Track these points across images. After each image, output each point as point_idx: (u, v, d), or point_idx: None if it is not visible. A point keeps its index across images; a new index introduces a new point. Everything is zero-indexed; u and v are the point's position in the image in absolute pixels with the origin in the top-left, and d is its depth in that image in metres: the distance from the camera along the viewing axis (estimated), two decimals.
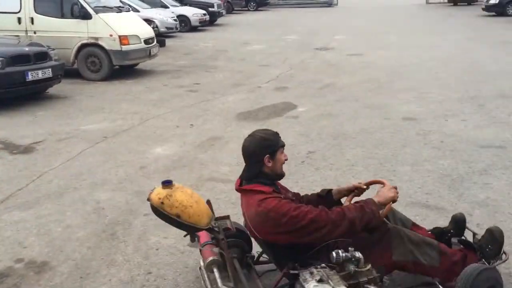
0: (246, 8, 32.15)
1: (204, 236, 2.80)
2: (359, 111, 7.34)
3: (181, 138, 6.21)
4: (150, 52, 10.71)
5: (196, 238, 2.74)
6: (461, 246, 2.94)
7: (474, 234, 2.99)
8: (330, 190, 2.99)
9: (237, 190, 2.80)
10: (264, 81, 9.85)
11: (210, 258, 2.57)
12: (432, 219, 3.81)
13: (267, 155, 2.63)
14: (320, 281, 2.28)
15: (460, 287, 2.52)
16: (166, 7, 19.73)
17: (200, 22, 20.34)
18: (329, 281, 2.27)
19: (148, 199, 2.56)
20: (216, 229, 2.68)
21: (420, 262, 2.66)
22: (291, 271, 2.46)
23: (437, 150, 5.48)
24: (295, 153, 5.45)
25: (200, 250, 2.83)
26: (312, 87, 9.17)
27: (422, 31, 18.02)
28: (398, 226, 2.83)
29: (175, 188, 2.55)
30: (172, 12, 19.10)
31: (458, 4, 29.29)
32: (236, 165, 4.98)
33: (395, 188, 2.74)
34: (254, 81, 9.86)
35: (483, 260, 2.79)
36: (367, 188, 2.95)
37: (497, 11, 21.48)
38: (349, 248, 2.45)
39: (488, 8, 21.98)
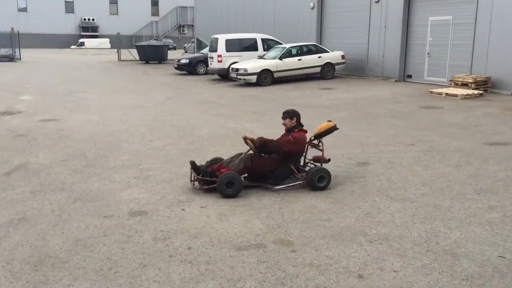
0: None
1: None
2: (67, 208, 5.22)
3: None
4: None
5: None
6: None
7: None
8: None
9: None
10: None
11: None
12: None
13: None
14: None
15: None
16: None
17: None
18: None
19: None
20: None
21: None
22: None
23: (190, 266, 3.86)
24: None
25: None
26: None
27: (121, 90, 16.36)
28: None
29: None
30: None
31: (150, 62, 29.15)
32: None
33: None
34: None
35: None
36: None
37: (188, 70, 22.29)
38: None
39: (180, 67, 22.66)
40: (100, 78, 20.56)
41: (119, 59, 31.38)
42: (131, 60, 30.67)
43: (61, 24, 53.21)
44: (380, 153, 7.44)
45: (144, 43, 32.56)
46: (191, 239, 4.35)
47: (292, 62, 17.29)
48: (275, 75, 17.02)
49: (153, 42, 32.93)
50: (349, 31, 19.21)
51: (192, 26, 45.55)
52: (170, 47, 36.75)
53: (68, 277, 3.66)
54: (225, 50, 18.76)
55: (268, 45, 19.40)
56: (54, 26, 52.37)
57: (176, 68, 22.71)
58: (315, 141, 6.14)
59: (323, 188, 5.66)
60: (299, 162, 6.12)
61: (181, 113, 11.54)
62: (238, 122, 10.25)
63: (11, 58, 29.66)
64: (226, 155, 7.34)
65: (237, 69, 17.25)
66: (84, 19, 54.94)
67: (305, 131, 6.04)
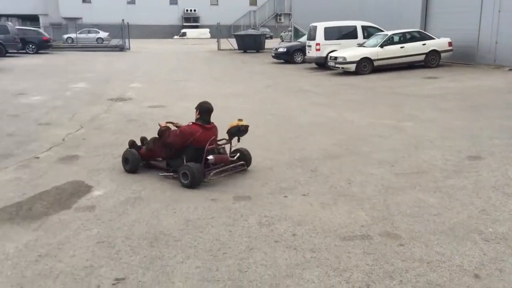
0: (24, 51, 28.12)
1: None
2: (177, 190, 5.43)
3: None
4: None
5: None
6: None
7: None
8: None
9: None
10: (44, 148, 7.28)
11: None
12: None
13: None
14: None
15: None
16: None
17: None
18: None
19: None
20: None
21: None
22: None
23: (295, 253, 3.88)
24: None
25: None
26: (111, 154, 6.91)
27: (221, 78, 16.71)
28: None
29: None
30: None
31: (247, 51, 29.32)
32: None
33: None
34: (29, 149, 7.25)
35: None
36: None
37: (286, 58, 22.07)
38: None
39: (278, 55, 22.47)
40: (201, 67, 21.31)
41: (219, 49, 32.37)
42: (230, 49, 31.47)
43: (166, 15, 56.10)
44: (493, 147, 6.91)
45: (242, 32, 33.20)
46: (295, 226, 4.38)
47: (394, 50, 16.61)
48: (375, 63, 16.47)
49: (251, 32, 33.42)
50: (457, 16, 18.00)
51: (289, 14, 45.60)
52: (267, 36, 37.09)
53: (181, 255, 3.86)
54: (323, 38, 18.52)
55: (369, 32, 18.82)
56: (159, 17, 55.36)
57: (273, 56, 22.89)
58: (227, 141, 6.04)
59: (187, 186, 5.37)
60: (201, 156, 5.58)
61: (280, 101, 11.61)
62: (337, 111, 10.08)
63: (121, 48, 31.97)
64: (324, 144, 7.32)
65: (335, 58, 16.95)
66: (187, 10, 57.38)
67: (200, 126, 5.74)
